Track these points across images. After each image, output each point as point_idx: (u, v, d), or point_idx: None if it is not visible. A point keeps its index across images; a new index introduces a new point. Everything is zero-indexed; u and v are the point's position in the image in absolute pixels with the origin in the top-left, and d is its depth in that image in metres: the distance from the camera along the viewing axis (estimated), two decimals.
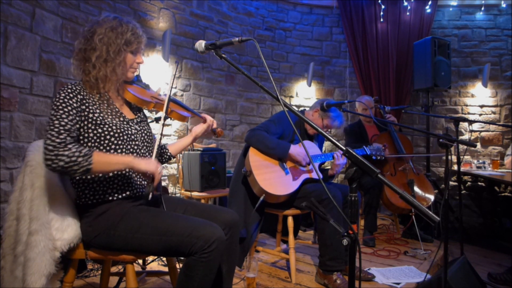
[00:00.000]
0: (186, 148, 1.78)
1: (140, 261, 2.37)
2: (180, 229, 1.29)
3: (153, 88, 1.64)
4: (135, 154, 1.46)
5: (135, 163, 1.31)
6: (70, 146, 1.23)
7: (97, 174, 1.35)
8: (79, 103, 1.34)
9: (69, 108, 1.30)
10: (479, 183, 4.46)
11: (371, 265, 2.56)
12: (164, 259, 2.47)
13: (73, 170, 1.22)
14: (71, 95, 1.33)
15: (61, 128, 1.26)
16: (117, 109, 1.45)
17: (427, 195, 3.17)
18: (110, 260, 1.57)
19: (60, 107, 1.29)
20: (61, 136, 1.24)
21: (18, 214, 1.33)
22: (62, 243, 1.34)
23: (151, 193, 1.37)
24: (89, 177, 1.37)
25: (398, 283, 2.21)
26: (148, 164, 1.33)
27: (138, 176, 1.47)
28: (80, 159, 1.22)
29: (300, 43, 4.74)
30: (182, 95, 3.76)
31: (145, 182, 1.49)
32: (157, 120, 2.74)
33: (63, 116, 1.28)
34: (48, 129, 1.26)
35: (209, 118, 1.72)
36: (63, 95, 1.32)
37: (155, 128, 2.99)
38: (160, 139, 1.47)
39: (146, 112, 2.02)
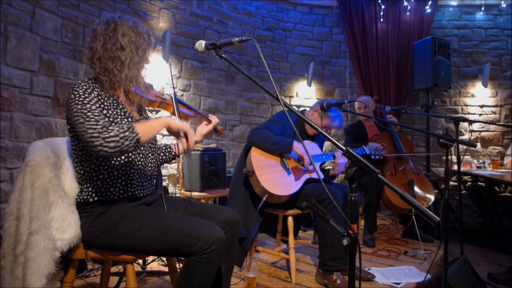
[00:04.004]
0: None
1: (140, 261, 2.37)
2: (180, 230, 1.29)
3: (155, 88, 1.65)
4: (140, 155, 1.47)
5: (171, 122, 1.35)
6: (111, 128, 1.24)
7: (141, 144, 1.34)
8: (97, 98, 1.34)
9: (93, 101, 1.31)
10: (479, 183, 4.46)
11: (371, 265, 2.56)
12: (164, 259, 2.47)
13: (125, 146, 1.23)
14: (88, 90, 1.32)
15: (97, 116, 1.26)
16: (125, 110, 1.46)
17: (427, 195, 3.17)
18: (110, 260, 1.57)
19: (85, 101, 1.28)
20: (100, 122, 1.24)
21: (18, 214, 1.33)
22: (62, 243, 1.34)
23: (189, 152, 1.43)
24: (94, 174, 1.37)
25: (398, 283, 2.21)
26: (182, 123, 1.38)
27: (139, 177, 1.47)
28: (127, 133, 1.23)
29: (300, 43, 4.74)
30: (182, 95, 3.76)
31: (145, 185, 1.51)
32: None
33: (92, 108, 1.28)
34: (82, 121, 1.24)
35: (214, 118, 1.72)
36: (81, 91, 1.31)
37: None
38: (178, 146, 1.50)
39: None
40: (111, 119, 1.36)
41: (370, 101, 3.50)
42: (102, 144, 1.20)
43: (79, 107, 1.27)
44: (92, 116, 1.25)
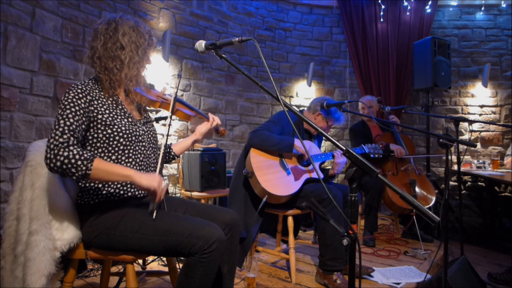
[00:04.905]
0: (190, 147, 1.79)
1: (140, 261, 2.37)
2: (180, 230, 1.29)
3: (157, 88, 1.65)
4: (142, 156, 1.47)
5: (136, 178, 1.27)
6: (71, 148, 1.22)
7: (95, 182, 1.34)
8: (87, 104, 1.33)
9: (77, 108, 1.29)
10: (479, 183, 4.46)
11: (371, 265, 2.56)
12: (164, 259, 2.47)
13: (70, 172, 1.20)
14: (80, 95, 1.32)
15: (66, 128, 1.24)
16: (125, 109, 1.46)
17: (429, 196, 3.17)
18: (110, 260, 1.57)
19: (68, 106, 1.28)
20: (65, 136, 1.23)
21: (18, 214, 1.33)
22: (62, 243, 1.34)
23: (155, 211, 1.31)
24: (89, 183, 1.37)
25: (398, 283, 2.21)
26: (150, 180, 1.28)
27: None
28: (79, 162, 1.20)
29: (300, 43, 4.74)
30: (182, 95, 3.76)
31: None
32: (157, 120, 2.73)
33: (69, 116, 1.27)
34: (52, 127, 1.24)
35: (216, 119, 1.73)
36: (72, 94, 1.31)
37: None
38: (166, 142, 1.48)
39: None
40: (107, 122, 1.36)
41: (374, 101, 3.49)
42: (51, 158, 1.18)
43: (59, 111, 1.27)
44: (63, 125, 1.24)
